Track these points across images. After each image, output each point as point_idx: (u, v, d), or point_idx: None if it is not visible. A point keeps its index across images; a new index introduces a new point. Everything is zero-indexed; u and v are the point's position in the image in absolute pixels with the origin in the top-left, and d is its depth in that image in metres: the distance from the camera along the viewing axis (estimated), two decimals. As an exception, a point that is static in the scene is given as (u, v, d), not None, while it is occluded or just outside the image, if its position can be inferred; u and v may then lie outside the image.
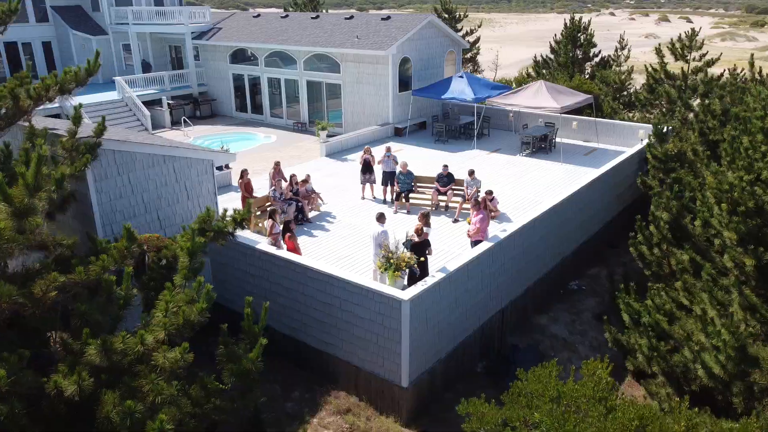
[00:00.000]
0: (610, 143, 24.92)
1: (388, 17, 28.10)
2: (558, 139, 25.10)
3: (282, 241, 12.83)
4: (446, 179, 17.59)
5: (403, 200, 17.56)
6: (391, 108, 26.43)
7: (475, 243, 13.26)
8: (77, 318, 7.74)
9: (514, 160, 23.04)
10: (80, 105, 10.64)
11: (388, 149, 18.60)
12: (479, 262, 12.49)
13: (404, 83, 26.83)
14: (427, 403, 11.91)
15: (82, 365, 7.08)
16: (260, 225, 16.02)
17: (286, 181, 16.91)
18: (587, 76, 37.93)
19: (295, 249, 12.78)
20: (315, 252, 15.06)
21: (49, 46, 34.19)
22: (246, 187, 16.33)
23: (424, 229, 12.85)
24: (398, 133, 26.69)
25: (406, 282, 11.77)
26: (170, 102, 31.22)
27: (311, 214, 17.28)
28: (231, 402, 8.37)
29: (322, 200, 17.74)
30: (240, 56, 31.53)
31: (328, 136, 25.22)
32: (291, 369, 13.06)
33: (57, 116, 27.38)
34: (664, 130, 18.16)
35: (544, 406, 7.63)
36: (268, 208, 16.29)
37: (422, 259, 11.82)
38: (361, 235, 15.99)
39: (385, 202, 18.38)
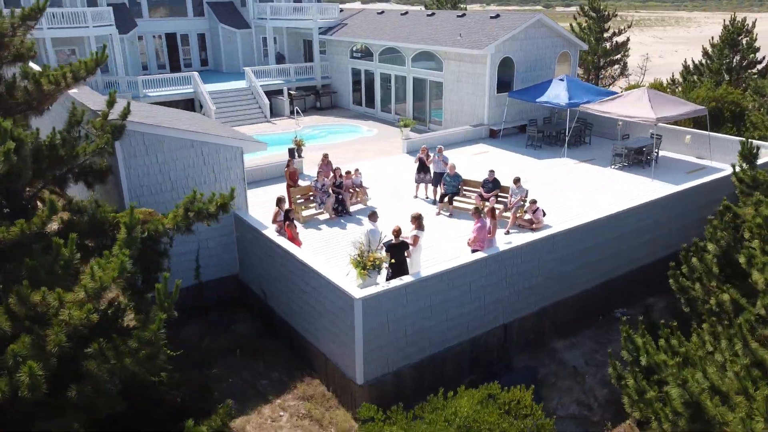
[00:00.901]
0: (726, 161, 22.03)
1: (497, 15, 27.37)
2: (663, 153, 22.76)
3: (283, 229, 13.47)
4: (491, 185, 16.99)
5: (447, 202, 17.29)
6: (486, 109, 25.83)
7: (474, 252, 12.80)
8: (28, 271, 9.02)
9: (601, 172, 21.39)
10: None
11: (440, 150, 18.38)
12: (464, 273, 12.06)
13: (505, 84, 26.04)
14: (390, 405, 11.83)
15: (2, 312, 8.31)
16: (301, 213, 16.86)
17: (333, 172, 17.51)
18: (744, 86, 33.65)
19: (293, 237, 13.35)
20: (335, 244, 15.50)
21: (203, 37, 38.30)
22: (290, 176, 17.24)
23: (416, 232, 12.71)
24: (493, 135, 26.02)
25: (383, 280, 11.76)
26: (292, 92, 33.41)
27: (355, 207, 17.72)
28: (138, 365, 9.11)
29: (367, 195, 18.08)
30: (359, 52, 32.74)
31: (422, 131, 25.39)
32: (284, 350, 13.73)
33: (191, 101, 30.77)
34: (755, 150, 15.84)
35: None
36: (303, 197, 17.11)
37: (392, 260, 11.73)
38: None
39: (434, 202, 18.23)
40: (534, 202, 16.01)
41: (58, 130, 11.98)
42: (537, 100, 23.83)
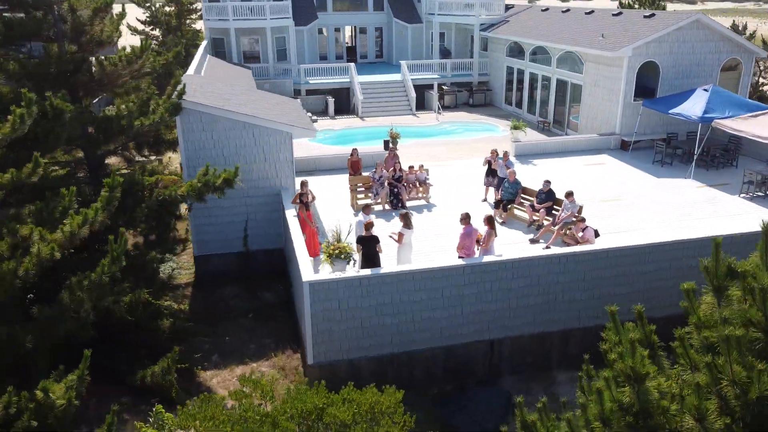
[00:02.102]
0: None
1: (652, 15, 24.59)
2: (821, 186, 18.68)
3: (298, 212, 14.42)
4: (543, 196, 15.87)
5: (501, 209, 16.59)
6: (619, 117, 23.57)
7: (459, 258, 12.40)
8: (36, 210, 11.33)
9: (722, 199, 18.38)
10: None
11: (506, 154, 17.57)
12: (434, 277, 11.83)
13: (649, 92, 23.48)
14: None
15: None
16: (356, 201, 17.63)
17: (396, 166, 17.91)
18: None
19: (303, 220, 14.21)
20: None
21: (381, 30, 40.50)
22: (352, 166, 18.03)
23: (402, 229, 12.72)
24: (624, 147, 23.69)
25: (351, 269, 12.10)
26: (445, 87, 33.85)
27: (415, 203, 17.91)
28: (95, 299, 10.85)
29: (429, 192, 18.10)
30: (514, 50, 31.91)
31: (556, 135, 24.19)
32: (289, 323, 14.73)
33: (347, 90, 32.92)
34: None
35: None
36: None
37: (357, 252, 11.96)
38: (431, 232, 16.01)
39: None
40: (582, 220, 14.65)
41: (130, 105, 14.43)
42: (669, 111, 21.14)
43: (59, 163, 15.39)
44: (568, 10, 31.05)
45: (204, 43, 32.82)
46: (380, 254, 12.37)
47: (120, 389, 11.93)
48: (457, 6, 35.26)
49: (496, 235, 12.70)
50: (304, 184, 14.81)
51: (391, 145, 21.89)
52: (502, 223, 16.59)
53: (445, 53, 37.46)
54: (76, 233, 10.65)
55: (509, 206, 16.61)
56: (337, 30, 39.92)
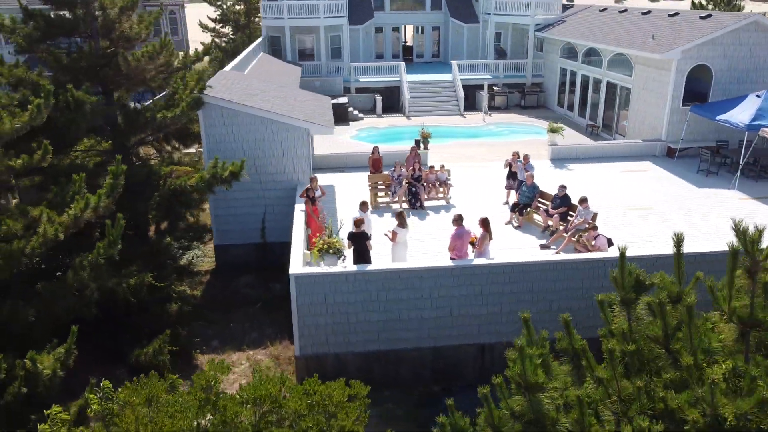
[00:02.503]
0: None
1: (709, 15, 23.28)
2: None
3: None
4: (558, 201, 15.42)
5: (518, 213, 16.28)
6: (666, 122, 22.50)
7: (451, 260, 12.31)
8: (52, 194, 12.19)
9: (763, 212, 17.24)
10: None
11: (526, 157, 17.18)
12: (420, 276, 11.83)
13: (700, 96, 22.29)
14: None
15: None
16: (376, 199, 17.79)
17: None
18: None
19: (310, 213, 14.50)
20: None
21: (438, 30, 40.38)
22: (374, 164, 18.17)
23: (396, 228, 12.77)
24: (670, 154, 22.60)
25: (340, 264, 12.29)
26: (495, 88, 33.38)
27: (434, 203, 17.86)
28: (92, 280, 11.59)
29: (450, 193, 17.98)
30: (568, 51, 31.04)
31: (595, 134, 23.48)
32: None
33: (396, 89, 33.14)
34: None
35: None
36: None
37: (343, 248, 12.10)
38: (443, 233, 15.88)
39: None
40: (594, 228, 14.17)
41: (157, 99, 15.16)
42: (717, 117, 19.98)
43: (100, 152, 16.39)
44: (625, 10, 29.85)
45: (258, 41, 33.82)
46: (370, 251, 12.47)
47: (121, 369, 12.64)
48: (514, 5, 34.65)
49: (491, 238, 12.52)
50: (312, 179, 15.12)
51: (421, 144, 21.88)
52: (518, 227, 16.30)
53: (500, 53, 36.90)
54: (80, 217, 11.37)
55: (526, 210, 16.26)
56: (395, 29, 40.11)
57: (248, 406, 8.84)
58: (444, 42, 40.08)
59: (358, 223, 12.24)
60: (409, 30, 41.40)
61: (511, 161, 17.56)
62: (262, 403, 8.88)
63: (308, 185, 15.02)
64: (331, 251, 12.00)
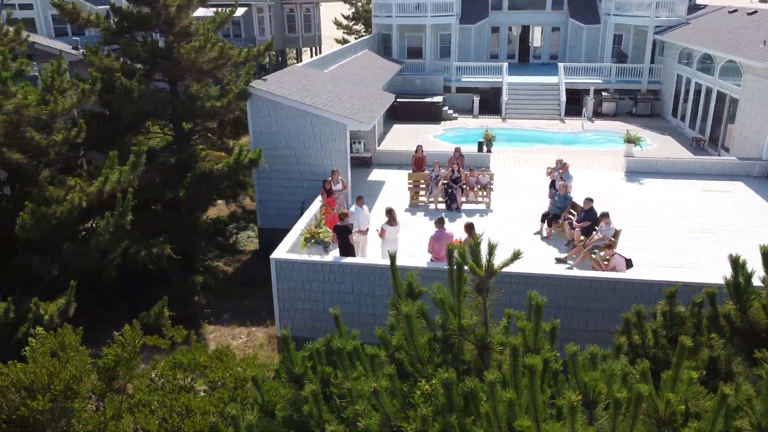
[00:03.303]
0: None
1: (838, 20, 20.12)
2: None
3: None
4: (583, 215, 14.47)
5: (546, 224, 15.56)
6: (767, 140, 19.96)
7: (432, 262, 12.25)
8: (94, 167, 14.07)
9: None
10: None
11: (565, 166, 16.23)
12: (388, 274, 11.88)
13: (816, 112, 19.49)
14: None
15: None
16: (414, 197, 17.94)
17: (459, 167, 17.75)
18: None
19: (325, 205, 15.04)
20: (410, 231, 16.22)
21: (558, 30, 38.76)
22: (416, 162, 18.25)
23: (383, 225, 12.93)
24: (770, 175, 20.01)
25: (325, 254, 12.76)
26: (605, 93, 31.45)
27: (473, 206, 17.59)
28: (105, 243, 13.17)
29: (490, 197, 17.59)
30: (684, 56, 28.39)
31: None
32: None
33: (499, 89, 32.63)
34: None
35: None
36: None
37: (326, 239, 12.48)
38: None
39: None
40: (610, 247, 13.23)
41: (211, 90, 16.72)
42: (820, 136, 17.38)
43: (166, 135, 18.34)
44: (754, 12, 26.57)
45: (363, 38, 34.91)
46: (354, 244, 12.77)
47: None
48: (636, 6, 32.31)
49: (476, 245, 12.20)
50: (333, 172, 15.69)
51: (485, 147, 21.49)
52: (545, 238, 15.59)
53: (619, 57, 34.59)
54: (103, 188, 12.99)
55: (556, 221, 15.48)
56: (511, 29, 39.20)
57: (178, 369, 9.75)
58: (563, 44, 38.40)
59: (341, 216, 12.61)
60: (518, 30, 40.13)
61: (552, 172, 16.77)
62: (193, 368, 9.76)
63: (332, 178, 15.61)
64: (313, 241, 12.51)
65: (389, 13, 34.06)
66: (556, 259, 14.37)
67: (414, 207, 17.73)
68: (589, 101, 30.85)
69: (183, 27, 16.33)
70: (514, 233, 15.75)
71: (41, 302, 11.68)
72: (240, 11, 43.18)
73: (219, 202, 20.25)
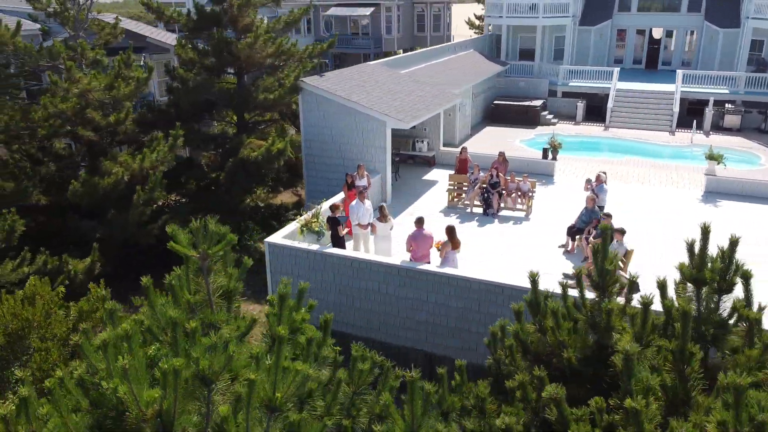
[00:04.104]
0: None
1: None
2: None
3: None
4: (598, 231, 13.48)
5: (570, 237, 14.75)
6: None
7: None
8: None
9: None
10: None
11: (599, 178, 15.09)
12: (368, 268, 12.21)
13: None
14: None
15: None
16: (454, 199, 17.85)
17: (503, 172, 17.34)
18: None
19: (346, 198, 15.54)
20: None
21: (693, 34, 35.40)
22: (460, 164, 18.03)
23: (376, 222, 13.18)
24: None
25: (322, 243, 13.35)
26: (729, 105, 28.32)
27: (513, 213, 17.09)
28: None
29: (529, 205, 16.96)
30: (826, 65, 24.70)
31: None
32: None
33: (607, 96, 30.92)
34: None
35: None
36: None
37: (317, 229, 12.99)
38: (500, 246, 15.35)
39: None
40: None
41: (267, 83, 18.10)
42: None
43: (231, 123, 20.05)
44: None
45: (472, 38, 34.60)
46: (342, 236, 13.17)
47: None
48: (782, 8, 28.64)
49: (455, 248, 12.06)
50: (359, 167, 16.12)
51: (551, 154, 20.58)
52: (567, 252, 14.80)
53: (759, 65, 30.83)
54: (141, 166, 14.72)
55: (579, 236, 14.63)
56: (640, 32, 36.50)
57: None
58: (698, 49, 34.99)
59: (332, 208, 13.09)
60: (657, 33, 37.05)
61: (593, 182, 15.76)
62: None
63: (357, 173, 16.11)
64: (305, 230, 13.15)
65: (500, 14, 33.48)
66: (563, 274, 13.62)
67: (451, 209, 17.62)
68: (708, 113, 27.95)
69: (246, 24, 17.74)
70: (539, 245, 15.13)
71: (72, 259, 13.60)
72: (367, 10, 44.95)
73: (284, 190, 21.66)
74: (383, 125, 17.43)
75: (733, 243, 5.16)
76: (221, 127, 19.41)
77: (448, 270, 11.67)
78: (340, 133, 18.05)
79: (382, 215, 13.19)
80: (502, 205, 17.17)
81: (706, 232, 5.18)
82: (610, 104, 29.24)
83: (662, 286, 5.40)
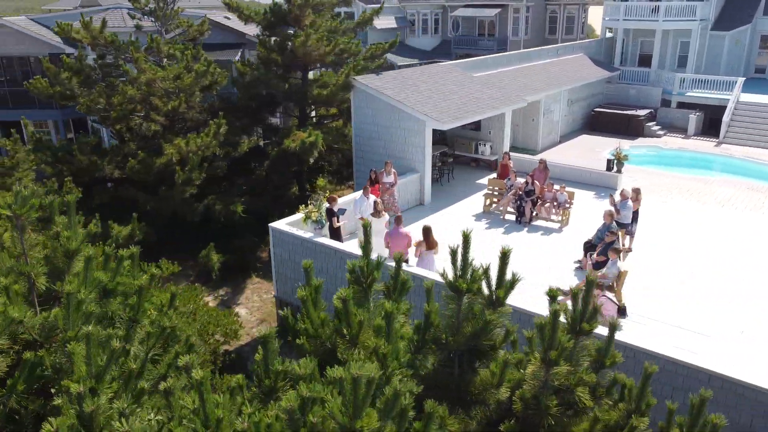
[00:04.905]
0: None
1: None
2: None
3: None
4: (602, 248, 12.60)
5: (584, 253, 13.93)
6: None
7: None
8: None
9: None
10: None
11: (623, 194, 13.92)
12: (350, 259, 12.57)
13: None
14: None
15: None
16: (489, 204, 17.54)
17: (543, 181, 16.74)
18: None
19: (372, 193, 15.93)
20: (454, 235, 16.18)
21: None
22: (502, 168, 17.56)
23: (369, 217, 13.49)
24: None
25: (322, 232, 13.99)
26: None
27: (543, 222, 16.45)
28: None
29: (563, 217, 16.17)
30: None
31: None
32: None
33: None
34: None
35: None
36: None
37: (317, 219, 13.59)
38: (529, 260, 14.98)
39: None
40: (600, 287, 11.60)
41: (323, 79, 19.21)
42: None
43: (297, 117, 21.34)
44: None
45: (584, 41, 32.87)
46: (336, 227, 13.65)
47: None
48: None
49: (432, 248, 12.05)
50: (386, 163, 16.45)
51: (615, 166, 19.25)
52: (579, 268, 14.02)
53: None
54: (187, 148, 16.42)
55: (591, 252, 13.75)
56: (789, 38, 32.27)
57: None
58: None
59: (329, 200, 13.64)
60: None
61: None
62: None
63: (385, 171, 16.49)
64: (304, 218, 13.87)
65: (616, 17, 31.51)
66: (560, 290, 12.92)
67: (485, 214, 17.30)
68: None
69: (309, 23, 18.83)
70: (559, 259, 14.47)
71: (116, 225, 15.57)
72: (493, 11, 44.44)
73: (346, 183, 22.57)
74: (423, 125, 17.59)
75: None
76: (293, 121, 20.76)
77: (414, 269, 11.74)
78: (385, 131, 18.50)
79: (375, 210, 13.51)
80: (535, 213, 16.56)
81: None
82: (726, 117, 26.38)
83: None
